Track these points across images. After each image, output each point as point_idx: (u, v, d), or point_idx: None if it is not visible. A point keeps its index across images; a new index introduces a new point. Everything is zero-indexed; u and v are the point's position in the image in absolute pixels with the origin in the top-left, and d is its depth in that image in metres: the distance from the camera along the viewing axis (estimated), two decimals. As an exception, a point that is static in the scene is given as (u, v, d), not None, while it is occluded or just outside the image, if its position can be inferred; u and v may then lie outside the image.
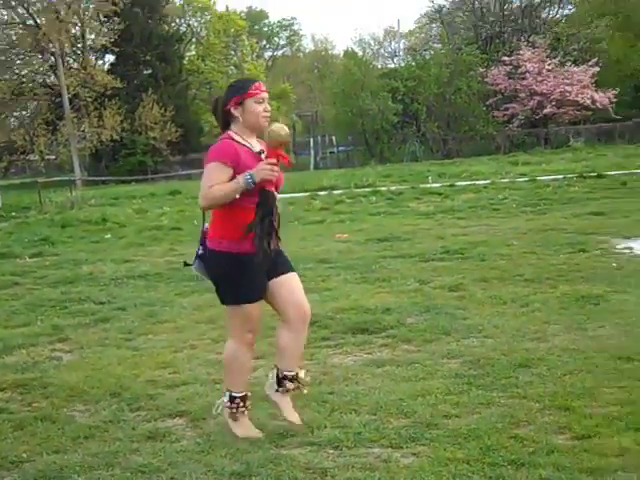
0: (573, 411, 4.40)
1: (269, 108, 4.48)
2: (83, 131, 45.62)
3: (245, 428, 4.44)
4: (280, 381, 4.50)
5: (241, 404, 4.44)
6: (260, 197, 4.31)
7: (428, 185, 22.50)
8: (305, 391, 4.61)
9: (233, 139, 4.36)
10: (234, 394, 4.44)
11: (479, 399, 4.72)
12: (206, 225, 4.48)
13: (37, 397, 5.33)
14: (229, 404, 4.45)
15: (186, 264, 4.63)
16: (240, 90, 4.40)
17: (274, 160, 4.27)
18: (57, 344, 6.90)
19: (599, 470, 3.64)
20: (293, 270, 4.58)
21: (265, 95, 4.43)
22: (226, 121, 4.47)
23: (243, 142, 4.35)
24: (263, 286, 4.42)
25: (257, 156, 4.34)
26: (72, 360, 6.34)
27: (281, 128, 4.33)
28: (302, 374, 4.56)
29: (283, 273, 4.50)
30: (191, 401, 5.03)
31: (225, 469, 3.93)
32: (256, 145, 4.44)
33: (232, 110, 4.39)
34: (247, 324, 4.41)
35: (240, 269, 4.31)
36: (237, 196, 4.22)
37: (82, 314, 7.99)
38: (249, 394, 4.49)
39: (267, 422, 4.53)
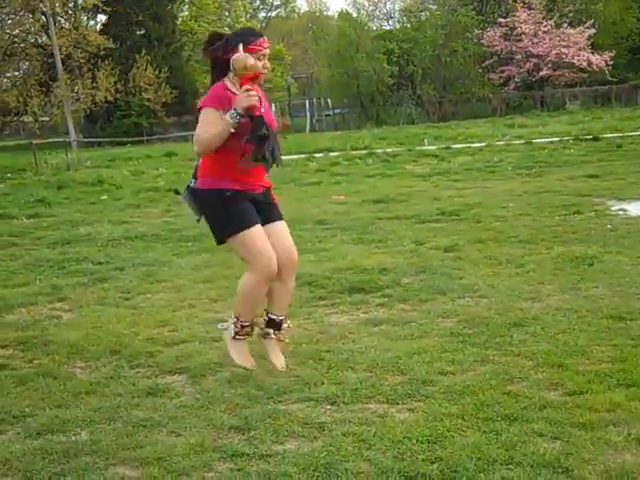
0: (566, 368, 4.47)
1: (268, 65, 4.50)
2: (77, 92, 45.29)
3: (243, 355, 4.67)
4: (268, 324, 4.71)
5: (245, 330, 4.64)
6: (253, 124, 4.34)
7: (424, 147, 22.48)
8: (287, 340, 4.82)
9: (226, 86, 4.42)
10: (242, 322, 4.62)
11: (474, 357, 4.79)
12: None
13: (38, 354, 5.39)
14: (235, 328, 4.63)
15: (177, 192, 4.76)
16: (244, 42, 4.37)
17: (248, 86, 4.27)
18: (56, 303, 6.94)
19: (590, 424, 3.71)
20: (282, 218, 4.71)
21: (267, 52, 4.46)
22: (222, 67, 4.47)
23: (235, 91, 4.38)
24: (255, 214, 4.50)
25: None
26: (72, 318, 6.40)
27: (245, 57, 4.29)
28: (286, 325, 4.78)
29: (272, 221, 4.62)
30: (190, 358, 5.09)
31: (224, 423, 4.00)
32: None
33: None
34: (257, 250, 4.45)
35: (226, 202, 4.44)
36: (232, 130, 4.27)
37: (80, 274, 8.03)
38: (253, 322, 4.70)
39: (265, 378, 4.59)
